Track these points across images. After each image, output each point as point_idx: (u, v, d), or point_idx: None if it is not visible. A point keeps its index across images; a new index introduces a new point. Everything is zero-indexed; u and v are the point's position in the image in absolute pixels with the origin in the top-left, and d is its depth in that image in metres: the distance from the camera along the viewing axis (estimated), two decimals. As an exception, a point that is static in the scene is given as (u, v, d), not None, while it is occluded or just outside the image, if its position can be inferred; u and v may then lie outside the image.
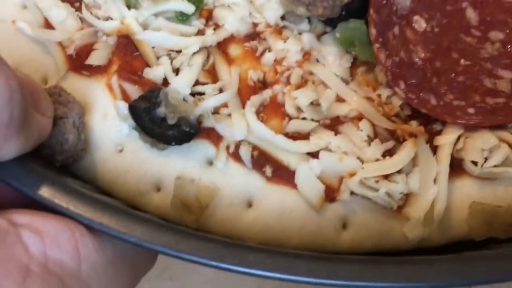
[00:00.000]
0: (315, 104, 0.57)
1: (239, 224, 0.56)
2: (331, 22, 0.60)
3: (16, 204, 0.48)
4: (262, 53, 0.60)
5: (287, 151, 0.56)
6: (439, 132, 0.58)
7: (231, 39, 0.60)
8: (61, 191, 0.48)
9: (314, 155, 0.56)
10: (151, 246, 0.46)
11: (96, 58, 0.59)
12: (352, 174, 0.55)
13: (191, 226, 0.55)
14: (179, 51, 0.59)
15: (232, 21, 0.60)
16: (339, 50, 0.60)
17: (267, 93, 0.58)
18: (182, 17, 0.60)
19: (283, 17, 0.61)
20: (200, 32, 0.60)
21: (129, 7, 0.60)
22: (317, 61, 0.60)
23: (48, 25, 0.61)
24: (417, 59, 0.56)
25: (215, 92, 0.57)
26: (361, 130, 0.57)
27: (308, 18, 0.61)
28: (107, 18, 0.60)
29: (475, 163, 0.56)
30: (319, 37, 0.61)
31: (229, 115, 0.57)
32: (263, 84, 0.59)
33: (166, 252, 0.46)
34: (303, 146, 0.56)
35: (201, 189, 0.56)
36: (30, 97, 0.48)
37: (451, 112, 0.57)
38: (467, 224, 0.56)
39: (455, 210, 0.56)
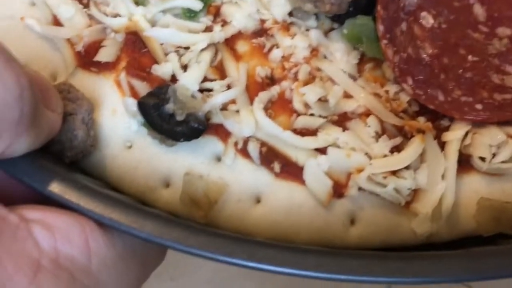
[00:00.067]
0: (323, 100, 0.57)
1: (248, 220, 0.56)
2: (338, 19, 0.60)
3: (27, 200, 0.48)
4: (270, 50, 0.60)
5: (295, 147, 0.57)
6: (446, 128, 0.58)
7: (238, 35, 0.60)
8: (72, 186, 0.48)
9: (322, 151, 0.56)
10: (161, 241, 0.46)
11: (104, 55, 0.59)
12: (360, 170, 0.55)
13: (200, 221, 0.55)
14: (187, 48, 0.59)
15: (240, 17, 0.60)
16: (346, 47, 0.60)
17: (275, 90, 0.59)
18: (190, 14, 0.60)
19: (290, 14, 0.61)
20: (208, 29, 0.60)
21: (137, 4, 0.60)
22: (325, 57, 0.60)
23: (56, 22, 0.61)
24: (424, 55, 0.56)
25: (223, 89, 0.58)
26: (369, 126, 0.57)
27: (316, 15, 0.61)
28: (115, 15, 0.60)
29: (483, 159, 0.56)
30: (326, 33, 0.61)
31: (237, 111, 0.57)
32: (271, 81, 0.59)
33: (176, 247, 0.46)
34: (311, 142, 0.56)
35: (209, 185, 0.56)
36: (40, 93, 0.48)
37: (459, 108, 0.57)
38: (475, 220, 0.56)
39: (463, 206, 0.57)
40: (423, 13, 0.56)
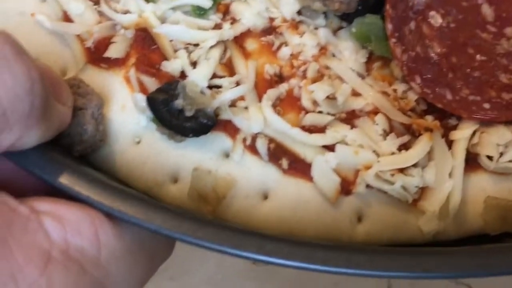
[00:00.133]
0: (331, 98, 0.58)
1: (255, 215, 0.57)
2: (347, 17, 0.60)
3: (36, 192, 0.48)
4: (279, 48, 0.60)
5: (303, 144, 0.57)
6: (454, 127, 0.58)
7: (247, 33, 0.61)
8: (82, 179, 0.48)
9: (330, 148, 0.57)
10: (170, 234, 0.46)
11: (114, 51, 0.60)
12: (368, 167, 0.55)
13: (208, 217, 0.55)
14: (196, 45, 0.59)
15: (249, 15, 0.60)
16: (355, 45, 0.60)
17: (283, 87, 0.59)
18: (199, 12, 0.61)
19: (299, 12, 0.61)
20: (217, 26, 0.60)
21: (147, 1, 0.61)
22: (333, 55, 0.60)
23: (66, 18, 0.61)
24: (433, 54, 0.57)
25: (232, 85, 0.58)
26: (377, 124, 0.57)
27: (324, 13, 0.61)
28: (125, 12, 0.61)
29: (490, 158, 0.57)
30: (335, 32, 0.61)
31: (246, 108, 0.57)
32: (280, 78, 0.59)
33: (185, 239, 0.46)
34: (319, 139, 0.56)
35: (218, 180, 0.56)
36: (51, 87, 0.48)
37: (467, 107, 0.57)
38: (482, 218, 0.56)
39: (470, 204, 0.57)
40: (432, 12, 0.56)
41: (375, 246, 0.55)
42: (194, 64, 0.59)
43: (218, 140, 0.58)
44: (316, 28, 0.61)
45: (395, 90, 0.59)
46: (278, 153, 0.57)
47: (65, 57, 0.61)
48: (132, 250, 0.49)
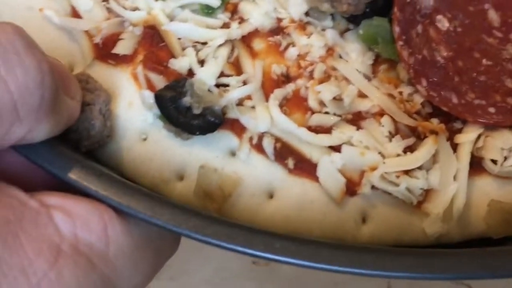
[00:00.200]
0: (337, 99, 0.58)
1: (261, 214, 0.57)
2: (354, 19, 0.61)
3: (45, 186, 0.49)
4: (286, 48, 0.60)
5: (309, 144, 0.57)
6: (459, 130, 0.58)
7: (255, 33, 0.61)
8: (91, 174, 0.49)
9: (336, 149, 0.57)
10: (178, 230, 0.47)
11: (122, 48, 0.60)
12: (373, 169, 0.56)
13: (214, 214, 0.55)
14: (204, 43, 0.60)
15: (257, 15, 0.61)
16: (362, 47, 0.60)
17: (290, 87, 0.59)
18: (208, 10, 0.61)
19: (307, 13, 0.61)
20: (225, 25, 0.61)
21: (156, -2, 0.61)
22: (340, 57, 0.60)
23: (75, 14, 0.62)
24: (439, 58, 0.57)
25: (239, 84, 0.58)
26: (383, 126, 0.57)
27: (332, 15, 0.61)
28: (134, 9, 0.61)
29: (494, 161, 0.57)
30: (342, 33, 0.61)
31: (253, 107, 0.58)
32: (286, 78, 0.60)
33: (193, 236, 0.46)
34: (325, 139, 0.57)
35: (224, 179, 0.56)
36: (60, 81, 0.48)
37: (472, 111, 0.57)
38: (486, 222, 0.57)
39: (474, 207, 0.57)
40: (439, 16, 0.56)
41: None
42: (201, 62, 0.59)
43: (225, 138, 0.58)
44: (323, 30, 0.61)
45: (401, 93, 0.59)
46: (284, 152, 0.57)
47: (73, 53, 0.61)
48: (139, 246, 0.49)
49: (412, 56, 0.58)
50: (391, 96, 0.59)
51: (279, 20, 0.61)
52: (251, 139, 0.58)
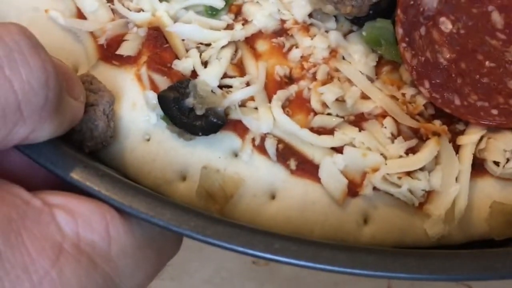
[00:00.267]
0: (340, 100, 0.58)
1: (262, 215, 0.57)
2: (358, 21, 0.61)
3: (47, 186, 0.49)
4: (289, 49, 0.61)
5: (311, 145, 0.57)
6: (462, 132, 0.59)
7: (259, 34, 0.61)
8: (93, 174, 0.49)
9: (338, 150, 0.57)
10: (179, 230, 0.47)
11: (126, 49, 0.60)
12: (375, 170, 0.56)
13: (215, 215, 0.56)
14: (208, 45, 0.60)
15: (261, 17, 0.61)
16: (365, 49, 0.61)
17: (293, 88, 0.59)
18: (212, 12, 0.61)
19: (310, 15, 0.61)
20: (229, 27, 0.61)
21: (160, 0, 0.61)
22: (343, 58, 0.61)
23: (80, 15, 0.62)
24: (442, 60, 0.57)
25: (242, 86, 0.58)
26: (385, 128, 0.58)
27: (335, 17, 0.62)
28: (139, 10, 0.61)
29: (497, 163, 0.57)
30: (345, 35, 0.62)
31: (256, 108, 0.58)
32: (289, 80, 0.60)
33: (194, 236, 0.47)
34: (327, 140, 0.57)
35: (226, 179, 0.57)
36: (64, 81, 0.49)
37: (475, 113, 0.57)
38: (487, 223, 0.57)
39: (476, 209, 0.57)
40: (442, 18, 0.56)
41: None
42: (205, 63, 0.59)
43: (227, 139, 0.58)
44: (326, 31, 0.61)
45: (403, 94, 0.59)
46: (286, 153, 0.58)
47: (77, 54, 0.61)
48: (141, 246, 0.49)
49: (415, 58, 0.58)
50: (393, 97, 0.59)
51: (283, 21, 0.62)
52: (253, 140, 0.58)
